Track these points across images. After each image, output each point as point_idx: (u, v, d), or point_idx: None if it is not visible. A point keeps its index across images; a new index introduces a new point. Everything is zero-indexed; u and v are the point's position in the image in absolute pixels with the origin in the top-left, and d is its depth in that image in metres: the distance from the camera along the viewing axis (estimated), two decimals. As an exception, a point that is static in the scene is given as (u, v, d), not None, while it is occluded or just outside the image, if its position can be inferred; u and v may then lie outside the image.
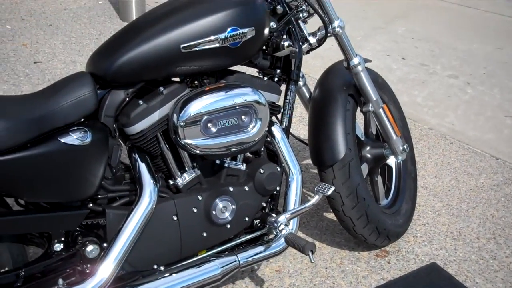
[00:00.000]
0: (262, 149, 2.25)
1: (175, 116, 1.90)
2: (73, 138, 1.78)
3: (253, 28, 2.00)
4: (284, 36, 2.21)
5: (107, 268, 1.85)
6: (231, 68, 2.12)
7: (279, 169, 2.22)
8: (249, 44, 2.02)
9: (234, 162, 2.16)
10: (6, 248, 1.81)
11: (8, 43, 4.67)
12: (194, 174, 2.08)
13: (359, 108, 2.61)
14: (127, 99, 1.93)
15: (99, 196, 1.93)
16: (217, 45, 1.94)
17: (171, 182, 2.06)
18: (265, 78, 2.24)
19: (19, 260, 1.83)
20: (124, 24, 5.25)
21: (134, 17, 5.26)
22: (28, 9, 5.40)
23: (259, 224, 2.26)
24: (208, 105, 1.92)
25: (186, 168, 2.07)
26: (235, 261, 2.11)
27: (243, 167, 2.17)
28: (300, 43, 2.25)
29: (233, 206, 2.11)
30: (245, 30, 1.98)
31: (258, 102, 2.01)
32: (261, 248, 2.19)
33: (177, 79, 2.03)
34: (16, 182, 1.71)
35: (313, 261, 2.05)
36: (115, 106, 1.91)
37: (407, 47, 5.32)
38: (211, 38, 1.92)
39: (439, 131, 3.92)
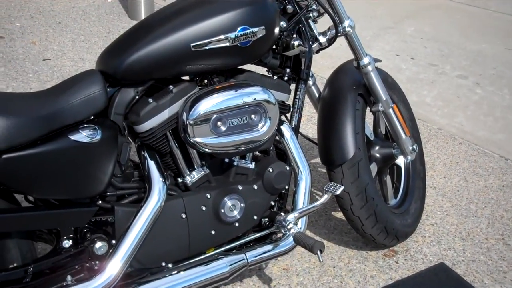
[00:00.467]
0: (271, 148, 2.24)
1: (184, 114, 1.90)
2: (82, 136, 1.78)
3: (263, 27, 2.00)
4: (294, 36, 2.20)
5: (115, 265, 1.85)
6: (241, 67, 2.12)
7: (288, 168, 2.21)
8: (259, 43, 2.01)
9: (243, 160, 2.16)
10: (15, 244, 1.81)
11: (17, 41, 4.69)
12: (203, 172, 2.08)
13: (368, 108, 2.60)
14: (137, 97, 1.93)
15: (108, 193, 1.93)
16: (227, 44, 1.94)
17: (180, 180, 2.06)
18: (275, 77, 2.23)
19: (28, 257, 1.83)
20: (132, 22, 5.26)
21: (143, 15, 5.29)
22: (37, 6, 5.41)
23: (267, 223, 2.26)
24: (218, 103, 1.92)
25: (195, 166, 2.07)
26: (243, 259, 2.11)
27: (252, 165, 2.17)
28: (310, 43, 2.25)
29: (242, 205, 2.11)
30: (255, 29, 1.98)
31: (267, 101, 2.01)
32: (269, 247, 2.19)
33: (186, 77, 2.03)
34: (26, 179, 1.72)
35: (321, 261, 2.04)
36: (125, 104, 1.92)
37: (416, 47, 5.31)
38: (221, 37, 1.92)
39: (448, 131, 3.91)
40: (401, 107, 2.76)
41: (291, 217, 2.14)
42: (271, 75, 2.28)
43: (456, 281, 2.52)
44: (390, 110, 2.57)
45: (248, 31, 1.97)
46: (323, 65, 4.50)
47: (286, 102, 2.23)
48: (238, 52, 1.99)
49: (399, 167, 2.79)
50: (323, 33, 2.34)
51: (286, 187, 2.25)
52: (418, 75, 4.76)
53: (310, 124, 3.80)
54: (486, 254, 2.73)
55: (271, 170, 2.16)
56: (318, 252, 2.03)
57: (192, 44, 1.90)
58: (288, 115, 2.31)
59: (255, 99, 1.98)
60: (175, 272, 2.00)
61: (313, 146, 3.41)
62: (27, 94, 1.85)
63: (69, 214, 1.83)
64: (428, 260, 2.65)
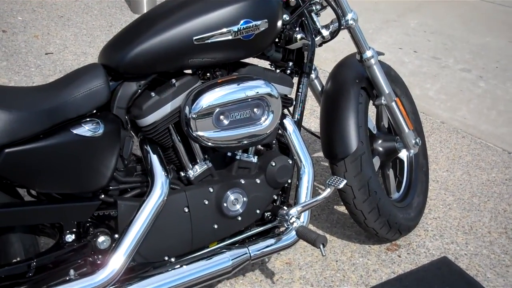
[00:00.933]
0: (274, 141, 2.24)
1: (187, 108, 1.90)
2: (85, 130, 1.78)
3: (266, 20, 1.99)
4: (297, 29, 2.19)
5: (118, 259, 1.85)
6: (243, 60, 2.11)
7: (290, 162, 2.21)
8: (262, 36, 2.01)
9: (246, 154, 2.16)
10: (18, 238, 1.82)
11: (19, 35, 4.68)
12: (206, 166, 2.08)
13: (371, 101, 2.60)
14: (139, 91, 1.93)
15: (110, 187, 1.93)
16: (230, 37, 1.93)
17: (182, 174, 2.06)
18: (278, 71, 2.23)
19: (30, 251, 1.84)
20: (135, 16, 5.25)
21: (145, 9, 5.28)
22: (40, 0, 5.40)
23: (270, 217, 2.26)
24: (220, 97, 1.91)
25: (198, 160, 2.07)
26: (246, 253, 2.11)
27: (254, 159, 2.17)
28: (313, 36, 2.24)
29: (244, 199, 2.11)
30: (258, 22, 1.97)
31: (270, 95, 2.00)
32: (272, 241, 2.19)
33: (189, 71, 2.03)
34: (29, 173, 1.72)
35: (324, 254, 2.04)
36: (127, 98, 1.91)
37: (419, 40, 5.29)
38: (224, 31, 1.92)
39: (451, 124, 3.90)
40: (404, 101, 2.75)
41: (293, 211, 2.13)
42: (273, 69, 2.28)
43: (459, 275, 2.52)
44: (393, 103, 2.56)
45: (250, 24, 1.96)
46: (326, 59, 4.48)
47: (288, 96, 2.23)
48: (241, 46, 1.98)
49: (402, 161, 2.79)
50: (326, 26, 2.33)
51: (289, 181, 2.25)
52: (421, 68, 4.75)
53: (312, 118, 3.79)
54: (489, 248, 2.72)
55: (273, 164, 2.16)
56: (321, 246, 2.03)
57: (194, 38, 1.89)
58: (291, 108, 2.30)
59: (257, 92, 1.98)
60: (178, 266, 2.00)
61: (315, 140, 3.41)
62: (29, 88, 1.85)
63: (72, 208, 1.83)
64: (430, 254, 2.65)
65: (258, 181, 2.15)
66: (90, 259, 1.89)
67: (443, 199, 3.08)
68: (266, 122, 2.03)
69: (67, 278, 1.82)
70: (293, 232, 2.16)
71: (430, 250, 2.68)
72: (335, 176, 2.24)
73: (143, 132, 1.97)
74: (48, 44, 4.56)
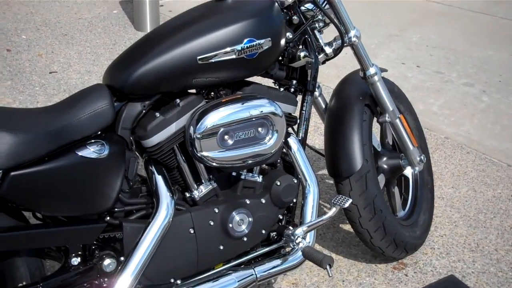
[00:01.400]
0: (279, 160, 2.23)
1: (191, 128, 1.89)
2: (90, 151, 1.78)
3: (269, 39, 1.99)
4: (300, 47, 2.19)
5: (124, 282, 1.84)
6: (247, 79, 2.11)
7: (295, 181, 2.20)
8: (266, 55, 2.01)
9: (250, 174, 2.15)
10: (23, 262, 1.80)
11: (23, 53, 4.70)
12: (211, 186, 2.07)
13: (375, 118, 2.59)
14: (144, 111, 1.92)
15: (116, 209, 1.92)
16: (234, 56, 1.93)
17: (187, 194, 2.05)
18: (281, 89, 2.22)
19: (36, 274, 1.82)
20: (138, 33, 5.27)
21: (148, 26, 5.30)
22: (43, 19, 5.43)
23: (275, 237, 2.24)
24: (225, 117, 1.91)
25: (203, 180, 2.06)
26: (252, 274, 2.09)
27: (259, 179, 2.16)
28: (316, 53, 2.23)
29: (250, 219, 2.10)
30: (262, 41, 1.97)
31: (274, 114, 2.00)
32: (278, 261, 2.17)
33: (193, 90, 2.03)
34: (34, 196, 1.71)
35: (331, 275, 2.03)
36: (132, 119, 1.91)
37: (421, 55, 5.30)
38: (228, 50, 1.92)
39: (455, 140, 3.89)
40: (408, 117, 2.75)
41: (299, 231, 2.12)
42: (277, 87, 2.27)
43: (467, 293, 2.50)
44: (397, 120, 2.56)
45: (254, 43, 1.96)
46: (329, 75, 4.49)
47: (293, 114, 2.22)
48: (245, 65, 1.98)
49: (407, 178, 2.78)
50: (329, 44, 2.33)
51: (294, 200, 2.24)
52: (424, 83, 4.75)
53: (316, 135, 3.78)
54: (496, 265, 2.70)
55: (278, 184, 2.15)
56: (327, 267, 2.01)
57: (198, 57, 1.89)
58: (295, 127, 2.30)
59: (262, 111, 1.97)
60: (184, 288, 1.99)
61: (320, 157, 3.40)
62: (34, 110, 1.85)
63: (77, 231, 1.82)
64: (437, 273, 2.63)
65: (263, 200, 2.14)
66: (96, 282, 1.88)
67: (449, 216, 3.07)
68: (270, 141, 2.02)
69: (73, 302, 1.81)
70: (299, 253, 2.14)
71: (437, 269, 2.66)
72: (341, 195, 2.23)
73: (148, 153, 1.96)
74: (52, 63, 4.58)
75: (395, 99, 2.59)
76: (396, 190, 2.71)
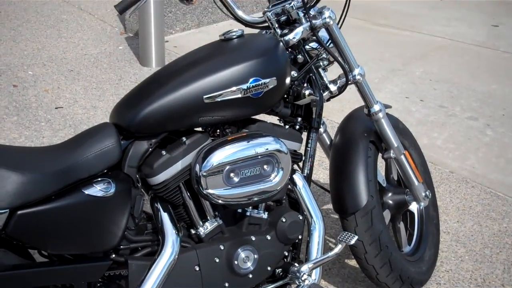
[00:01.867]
0: (284, 197, 2.24)
1: (197, 166, 1.91)
2: (97, 190, 1.79)
3: (274, 78, 2.01)
4: (305, 85, 2.22)
5: (130, 320, 1.84)
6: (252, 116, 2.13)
7: (301, 218, 2.21)
8: (271, 94, 2.03)
9: (256, 210, 2.16)
10: (29, 300, 1.81)
11: (30, 89, 4.74)
12: (216, 223, 2.08)
13: (380, 154, 2.60)
14: (150, 149, 1.94)
15: (121, 246, 1.93)
16: (239, 95, 1.96)
17: (193, 231, 2.06)
18: (287, 127, 2.24)
19: (42, 313, 1.83)
20: (143, 69, 5.32)
21: (154, 62, 5.34)
22: (50, 54, 5.48)
23: (281, 274, 2.24)
24: (230, 155, 1.92)
25: (208, 217, 2.07)
26: (258, 311, 2.09)
27: (264, 215, 2.16)
28: (321, 91, 2.26)
29: (255, 256, 2.10)
30: (267, 80, 2.00)
31: (280, 151, 2.01)
32: (284, 298, 2.17)
33: (199, 128, 2.05)
34: (41, 235, 1.73)
35: (337, 312, 2.02)
36: (138, 157, 1.93)
37: (425, 89, 5.32)
38: (233, 89, 1.94)
39: (460, 174, 3.89)
40: (413, 153, 2.76)
41: (305, 268, 2.12)
42: (282, 124, 2.29)
43: (474, 329, 2.48)
44: (402, 156, 2.57)
45: (259, 82, 1.98)
46: (333, 109, 4.51)
47: (298, 151, 2.24)
48: (250, 103, 2.01)
49: (412, 213, 2.78)
50: (334, 81, 2.36)
51: (300, 237, 2.24)
52: (428, 117, 4.76)
53: (321, 169, 3.79)
54: (503, 301, 2.69)
55: (284, 220, 2.16)
56: (333, 304, 2.01)
57: (204, 96, 1.92)
58: (300, 163, 2.31)
59: (267, 149, 1.99)
60: (190, 326, 1.98)
61: (324, 192, 3.40)
62: (42, 149, 1.87)
63: (83, 269, 1.83)
64: (444, 308, 2.62)
65: (268, 237, 2.14)
66: (102, 320, 1.88)
67: (455, 251, 3.06)
68: (276, 179, 2.03)
69: None
70: (305, 290, 2.14)
71: (443, 304, 2.65)
72: (346, 232, 2.23)
73: (154, 190, 1.98)
74: (58, 98, 4.61)
75: (400, 135, 2.61)
76: (401, 225, 2.71)
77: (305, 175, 2.29)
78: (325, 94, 2.33)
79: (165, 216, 1.99)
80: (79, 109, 4.46)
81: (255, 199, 2.02)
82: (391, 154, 2.55)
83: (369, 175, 2.41)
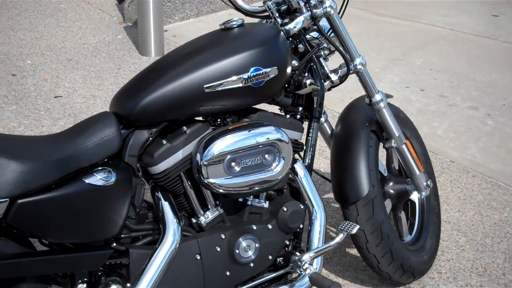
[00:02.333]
0: (285, 186, 2.23)
1: (198, 155, 1.90)
2: (97, 179, 1.79)
3: (275, 67, 2.00)
4: (306, 74, 2.21)
5: (130, 309, 1.84)
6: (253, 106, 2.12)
7: (302, 207, 2.20)
8: (272, 83, 2.02)
9: (257, 200, 2.15)
10: (30, 289, 1.81)
11: (29, 78, 4.72)
12: (217, 212, 2.07)
13: (381, 144, 2.60)
14: (151, 138, 1.93)
15: (122, 235, 1.93)
16: (240, 85, 1.94)
17: (194, 220, 2.06)
18: (287, 116, 2.23)
19: (43, 301, 1.82)
20: (142, 58, 5.30)
21: (153, 52, 5.33)
22: (48, 44, 5.46)
23: (282, 263, 2.23)
24: (231, 144, 1.92)
25: (209, 207, 2.07)
26: (259, 301, 2.09)
27: (266, 204, 2.16)
28: (322, 81, 2.25)
29: (256, 245, 2.10)
30: (268, 69, 1.98)
31: (281, 141, 2.00)
32: (285, 287, 2.16)
33: (200, 118, 2.04)
34: (41, 223, 1.72)
35: (338, 301, 2.02)
36: (139, 146, 1.92)
37: (425, 79, 5.31)
38: (234, 78, 1.93)
39: (460, 163, 3.89)
40: (414, 142, 2.75)
41: (306, 257, 2.11)
42: (283, 114, 2.28)
43: (474, 319, 2.48)
44: (403, 146, 2.56)
45: (260, 71, 1.97)
46: (333, 98, 4.50)
47: (299, 141, 2.23)
48: (251, 93, 1.99)
49: (413, 203, 2.77)
50: (335, 71, 2.34)
51: (301, 226, 2.23)
52: (428, 107, 4.75)
53: (321, 159, 3.79)
54: (504, 290, 2.69)
55: (285, 209, 2.15)
56: (335, 293, 2.01)
57: (205, 86, 1.91)
58: (301, 153, 2.30)
59: (268, 138, 1.98)
60: (191, 314, 1.98)
61: (325, 181, 3.39)
62: (42, 138, 1.86)
63: (84, 257, 1.82)
64: (445, 297, 2.62)
65: (269, 226, 2.14)
66: (103, 308, 1.88)
67: (456, 240, 3.06)
68: (277, 168, 2.02)
69: (79, 329, 1.81)
70: (306, 279, 2.13)
71: (444, 294, 2.65)
72: (348, 221, 2.23)
73: (154, 180, 1.97)
74: (57, 87, 4.60)
75: (401, 124, 2.60)
76: (402, 215, 2.71)
77: (306, 164, 2.28)
78: (326, 83, 2.32)
79: (166, 205, 1.98)
80: (78, 98, 4.44)
81: (256, 188, 2.01)
82: (393, 144, 2.55)
83: (370, 164, 2.41)
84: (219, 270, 2.05)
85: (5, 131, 3.88)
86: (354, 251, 2.84)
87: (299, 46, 2.19)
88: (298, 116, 2.26)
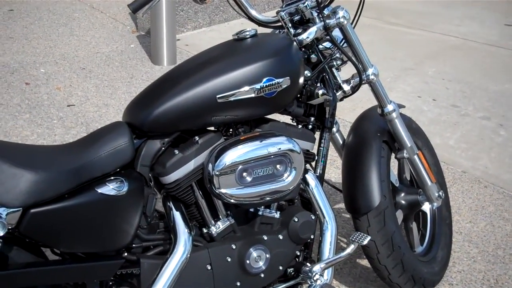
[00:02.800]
0: (296, 196, 2.23)
1: (210, 165, 1.90)
2: (109, 189, 1.79)
3: (288, 77, 2.01)
4: (318, 84, 2.21)
5: (142, 319, 1.84)
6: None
7: (313, 217, 2.20)
8: (284, 93, 2.02)
9: (268, 210, 2.15)
10: (41, 298, 1.81)
11: (42, 87, 4.75)
12: (228, 222, 2.07)
13: (393, 154, 2.59)
14: (163, 148, 1.94)
15: (133, 245, 1.93)
16: (253, 95, 1.95)
17: (205, 230, 2.06)
18: (299, 126, 2.23)
19: (54, 310, 1.83)
20: (155, 67, 5.33)
21: (165, 61, 5.35)
22: (62, 53, 5.50)
23: (293, 273, 2.23)
24: (243, 154, 1.92)
25: (220, 217, 2.07)
26: (270, 311, 2.09)
27: (277, 215, 2.16)
28: (334, 91, 2.25)
29: (267, 255, 2.10)
30: (280, 80, 1.99)
31: (292, 151, 2.00)
32: (295, 298, 2.16)
33: (212, 128, 2.04)
34: (53, 233, 1.73)
35: (349, 313, 2.01)
36: (151, 156, 1.93)
37: (438, 88, 5.30)
38: (247, 89, 1.94)
39: (472, 174, 3.87)
40: (426, 153, 2.74)
41: (317, 268, 2.11)
42: (295, 124, 2.28)
43: (487, 331, 2.46)
44: (415, 157, 2.56)
45: (273, 82, 1.98)
46: (344, 108, 4.49)
47: (310, 151, 2.23)
48: (263, 103, 2.00)
49: (425, 214, 2.77)
50: (347, 81, 2.34)
51: (312, 237, 2.23)
52: (440, 116, 4.74)
53: (333, 169, 3.78)
54: (516, 302, 2.67)
55: (296, 220, 2.15)
56: (346, 305, 2.00)
57: (218, 96, 1.91)
58: (313, 163, 2.30)
59: (280, 149, 1.98)
60: (201, 325, 1.98)
61: (336, 191, 3.39)
62: (55, 147, 1.87)
63: (95, 267, 1.83)
64: (457, 309, 2.61)
65: (280, 237, 2.14)
66: (114, 318, 1.88)
67: (467, 251, 3.04)
68: (289, 178, 2.02)
69: (90, 338, 1.82)
70: (317, 290, 2.13)
71: (455, 305, 2.63)
72: (359, 232, 2.22)
73: (166, 189, 1.98)
74: (70, 96, 4.63)
75: (413, 135, 2.59)
76: (414, 225, 2.70)
77: (317, 174, 2.28)
78: (338, 93, 2.32)
79: (177, 215, 1.99)
80: (91, 107, 4.47)
81: (268, 198, 2.01)
82: (404, 154, 2.54)
83: (382, 175, 2.40)
84: (230, 281, 2.05)
85: (18, 139, 3.90)
86: (364, 262, 2.84)
87: (311, 56, 2.19)
88: (310, 126, 2.26)
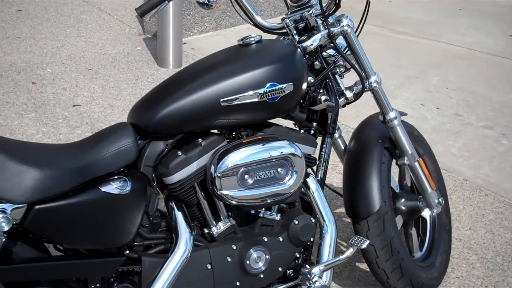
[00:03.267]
0: (297, 200, 2.26)
1: (212, 167, 1.93)
2: (113, 187, 1.83)
3: (291, 83, 2.04)
4: (321, 91, 2.24)
5: (142, 316, 1.87)
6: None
7: (313, 220, 2.23)
8: (287, 98, 2.06)
9: (269, 212, 2.18)
10: (44, 293, 1.85)
11: (48, 86, 4.79)
12: (229, 223, 2.10)
13: (394, 161, 2.62)
14: (167, 149, 1.97)
15: (135, 243, 1.97)
16: (256, 99, 1.98)
17: (206, 231, 2.09)
18: (302, 131, 2.27)
19: (56, 306, 1.86)
20: (161, 69, 5.36)
21: (171, 64, 5.38)
22: (69, 53, 5.54)
23: (292, 275, 2.26)
24: (245, 157, 1.95)
25: (221, 217, 2.10)
26: (268, 311, 2.12)
27: (277, 217, 2.19)
28: (337, 97, 2.28)
29: (267, 256, 2.13)
30: (284, 85, 2.02)
31: (294, 155, 2.04)
32: (294, 300, 2.19)
33: (215, 131, 2.08)
34: (57, 229, 1.76)
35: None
36: (155, 156, 1.96)
37: (441, 97, 5.32)
38: (250, 93, 1.97)
39: (474, 182, 3.89)
40: (427, 160, 2.77)
41: (316, 270, 2.14)
42: (297, 129, 2.32)
43: (483, 337, 2.49)
44: (416, 163, 2.58)
45: (276, 87, 2.01)
46: (347, 114, 4.52)
47: (312, 155, 2.26)
48: (266, 107, 2.03)
49: (424, 219, 2.79)
50: (350, 88, 2.38)
51: (311, 239, 2.26)
52: (443, 125, 4.76)
53: (334, 173, 3.81)
54: (513, 310, 2.70)
55: (296, 222, 2.18)
56: (343, 307, 2.03)
57: (221, 99, 1.95)
58: (314, 167, 2.33)
59: (282, 153, 2.01)
60: (201, 324, 2.01)
61: (337, 196, 3.42)
62: (60, 146, 1.91)
63: (97, 264, 1.86)
64: (454, 315, 2.63)
65: (280, 239, 2.17)
66: (114, 315, 1.91)
67: (466, 258, 3.06)
68: (290, 182, 2.05)
69: (91, 334, 1.85)
70: (316, 292, 2.16)
71: (453, 311, 2.66)
72: (358, 236, 2.25)
73: (168, 189, 2.01)
74: (76, 96, 4.67)
75: (414, 142, 2.62)
76: (413, 231, 2.72)
77: (318, 179, 2.31)
78: (341, 100, 2.35)
79: (179, 215, 2.02)
80: (96, 107, 4.51)
81: (269, 201, 2.04)
82: (405, 161, 2.57)
83: (382, 180, 2.43)
84: (230, 280, 2.08)
85: (24, 138, 3.94)
86: (363, 266, 2.86)
87: (315, 63, 2.23)
88: (312, 131, 2.29)
